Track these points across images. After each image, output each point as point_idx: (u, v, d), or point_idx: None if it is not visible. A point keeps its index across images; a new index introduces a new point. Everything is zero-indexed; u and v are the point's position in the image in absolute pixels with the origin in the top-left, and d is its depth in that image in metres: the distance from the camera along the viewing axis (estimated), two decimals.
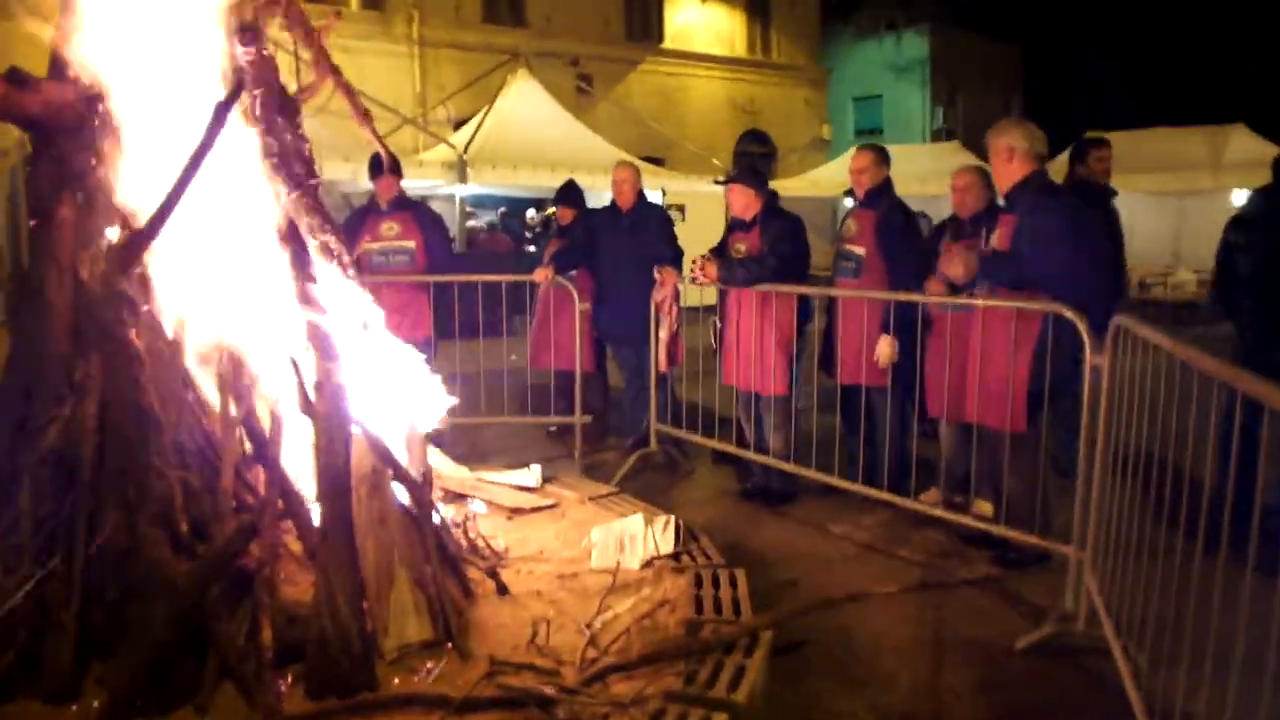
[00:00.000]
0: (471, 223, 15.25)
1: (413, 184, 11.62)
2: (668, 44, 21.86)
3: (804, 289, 5.25)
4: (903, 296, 4.79)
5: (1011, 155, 4.25)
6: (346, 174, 11.28)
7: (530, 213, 15.70)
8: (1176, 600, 2.66)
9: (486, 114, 14.66)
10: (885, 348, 4.97)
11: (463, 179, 13.15)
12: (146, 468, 2.87)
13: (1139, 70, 29.59)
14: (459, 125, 16.12)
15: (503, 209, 16.26)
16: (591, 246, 6.43)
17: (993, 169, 4.43)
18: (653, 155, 17.71)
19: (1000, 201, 4.54)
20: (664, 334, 5.91)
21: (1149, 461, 3.21)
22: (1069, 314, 3.73)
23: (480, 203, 16.20)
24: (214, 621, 2.84)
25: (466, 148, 13.55)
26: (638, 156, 15.22)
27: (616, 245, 6.29)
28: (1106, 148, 5.95)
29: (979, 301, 4.23)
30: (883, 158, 5.30)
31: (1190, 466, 2.87)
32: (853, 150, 5.56)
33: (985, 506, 4.70)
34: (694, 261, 5.53)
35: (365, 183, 7.18)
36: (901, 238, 5.09)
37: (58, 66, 3.16)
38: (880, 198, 5.21)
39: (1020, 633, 3.69)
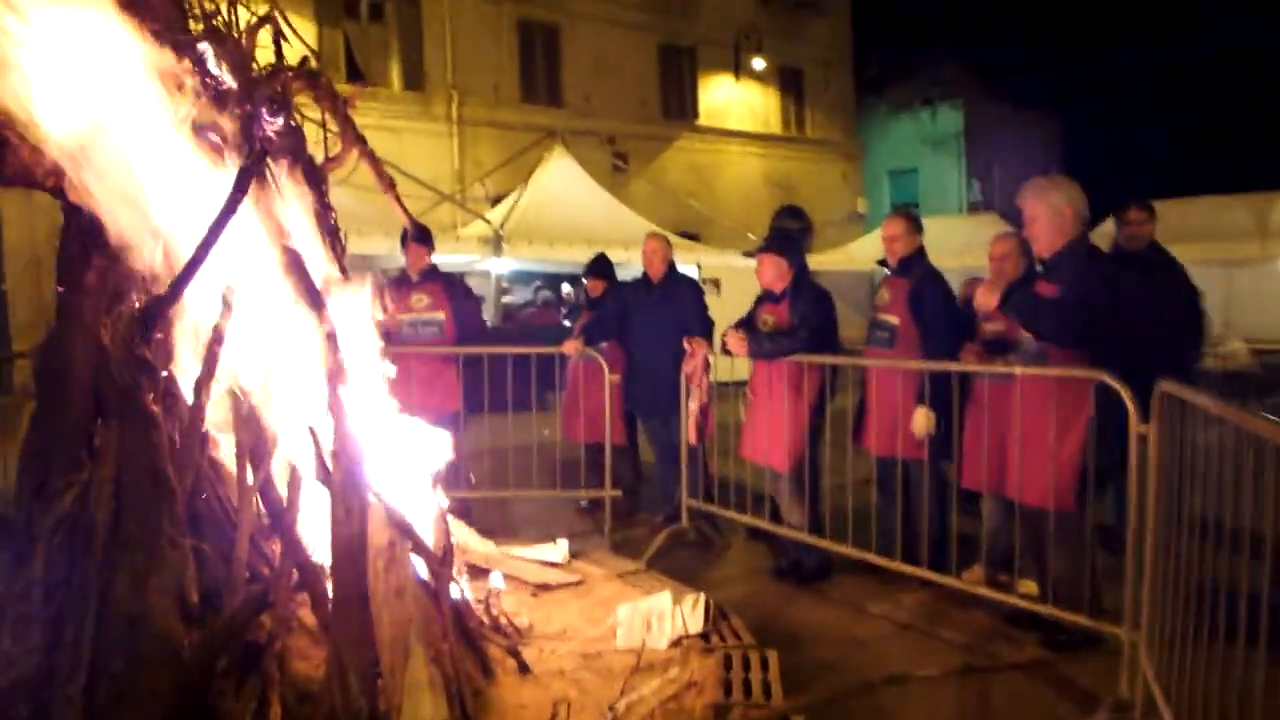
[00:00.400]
0: (508, 298, 15.38)
1: (450, 259, 11.79)
2: (702, 121, 22.21)
3: (834, 359, 5.14)
4: (937, 366, 4.66)
5: (1054, 216, 4.11)
6: (384, 249, 11.47)
7: (565, 288, 15.81)
8: (1241, 688, 2.45)
9: (523, 190, 14.91)
10: (922, 419, 4.82)
11: (498, 253, 13.32)
12: (159, 535, 2.81)
13: (1182, 140, 29.49)
14: (496, 202, 16.42)
15: (538, 284, 16.42)
16: (622, 319, 6.40)
17: (1031, 232, 4.25)
18: (688, 231, 17.85)
19: (1038, 268, 4.42)
20: (694, 406, 5.81)
21: (1205, 536, 3.03)
22: (1112, 382, 3.58)
23: (517, 278, 16.38)
24: (220, 698, 2.75)
25: (503, 223, 13.76)
26: (673, 232, 15.32)
27: (647, 316, 6.26)
28: (1137, 209, 5.64)
29: (1018, 369, 4.09)
30: (915, 225, 5.23)
31: (1251, 541, 2.69)
32: (886, 219, 5.49)
33: (1030, 585, 4.47)
34: (724, 335, 5.46)
35: (401, 256, 7.26)
36: (936, 306, 4.98)
37: None
38: (914, 266, 5.13)
39: None
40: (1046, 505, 4.04)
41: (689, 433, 5.83)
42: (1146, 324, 4.78)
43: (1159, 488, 3.37)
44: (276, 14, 3.47)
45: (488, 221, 14.14)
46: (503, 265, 14.49)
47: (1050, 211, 4.13)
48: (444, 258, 11.05)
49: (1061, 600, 3.99)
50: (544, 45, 19.75)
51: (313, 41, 15.50)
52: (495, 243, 13.38)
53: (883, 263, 5.34)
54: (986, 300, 4.19)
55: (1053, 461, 3.97)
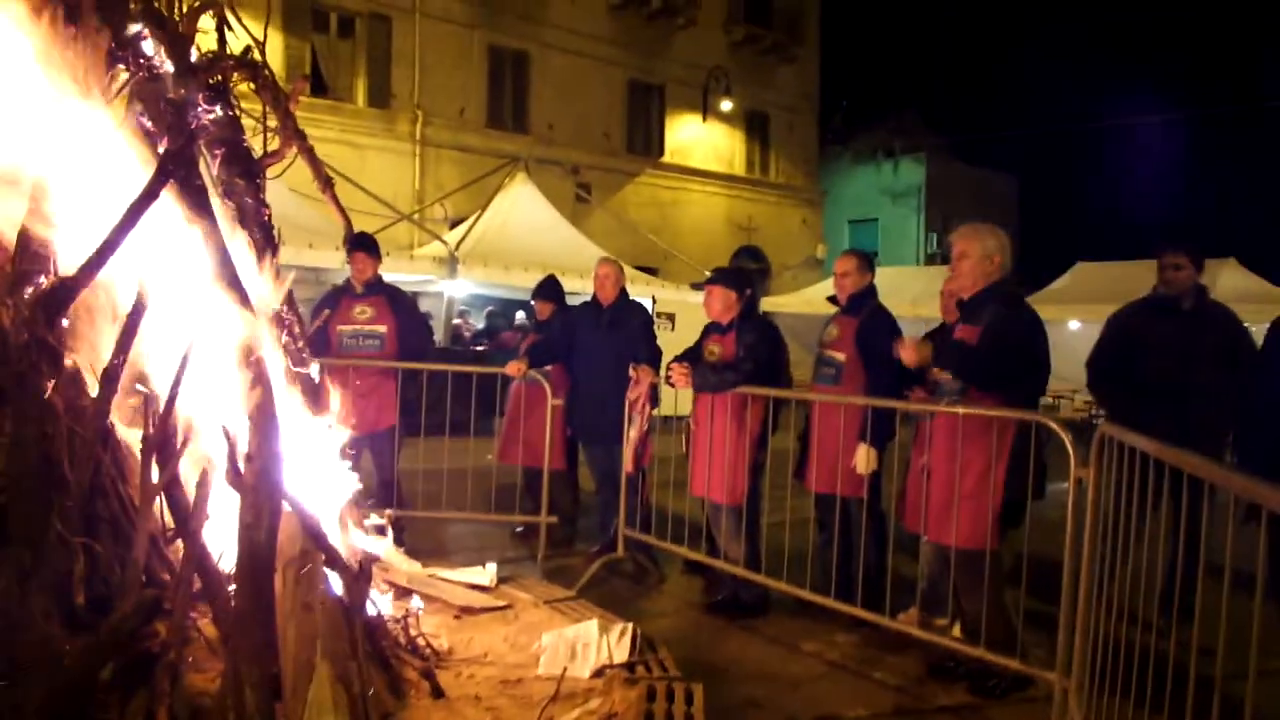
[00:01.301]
0: (457, 320, 15.20)
1: (404, 278, 11.63)
2: (667, 158, 22.36)
3: (778, 392, 5.09)
4: (880, 403, 4.62)
5: (982, 259, 4.16)
6: (337, 262, 11.27)
7: (519, 314, 15.70)
8: None
9: (482, 213, 14.82)
10: (863, 457, 4.77)
11: (452, 275, 13.17)
12: (46, 531, 2.63)
13: (1134, 202, 30.44)
14: (455, 224, 16.30)
15: (491, 308, 16.28)
16: (569, 342, 6.30)
17: (959, 268, 4.28)
18: (646, 265, 17.89)
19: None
20: (634, 434, 5.71)
21: (1136, 581, 2.99)
22: (1054, 425, 3.57)
23: (472, 302, 16.23)
24: (102, 710, 2.56)
25: (459, 245, 13.63)
26: (631, 265, 15.34)
27: (594, 341, 6.16)
28: (1172, 253, 5.10)
29: (960, 410, 4.06)
30: (866, 264, 5.21)
31: (1181, 592, 2.65)
32: (838, 256, 5.48)
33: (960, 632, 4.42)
34: (669, 365, 5.39)
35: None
36: (882, 344, 4.95)
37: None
38: (863, 303, 5.11)
39: None
40: (967, 544, 4.03)
41: (627, 461, 5.72)
42: (1177, 374, 4.80)
43: (1094, 532, 3.33)
44: (220, 1, 3.35)
45: (444, 242, 14.00)
46: (458, 288, 14.33)
47: (981, 253, 4.19)
48: (399, 276, 10.90)
49: (991, 644, 3.93)
50: (513, 72, 19.79)
51: (279, 52, 15.39)
52: (451, 264, 13.23)
53: (833, 299, 5.31)
54: (910, 356, 4.21)
55: (973, 501, 3.98)
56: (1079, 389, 12.67)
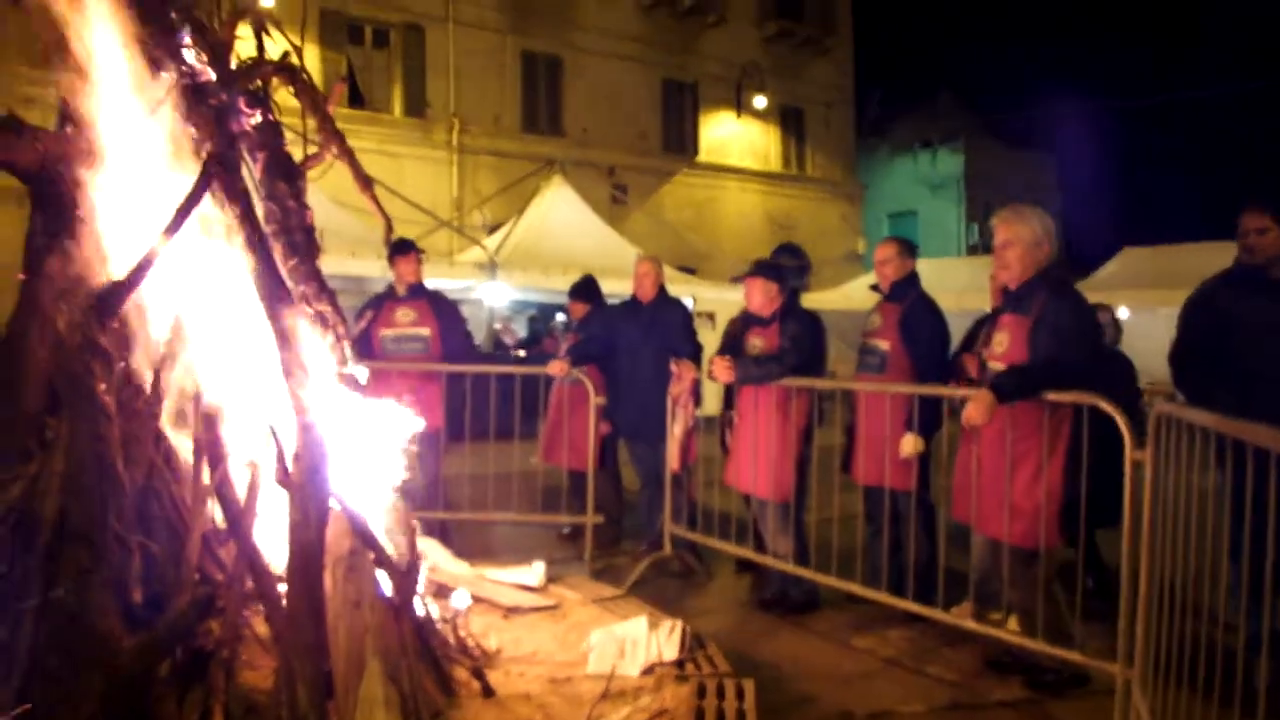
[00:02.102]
0: (498, 326, 15.27)
1: (444, 284, 11.71)
2: (702, 157, 22.28)
3: (824, 383, 5.03)
4: (926, 390, 4.54)
5: (1031, 244, 4.01)
6: (378, 271, 11.38)
7: (558, 317, 15.74)
8: None
9: (520, 218, 14.88)
10: (909, 444, 4.69)
11: (492, 278, 13.24)
12: (104, 530, 2.67)
13: (1183, 182, 29.74)
14: (493, 230, 16.39)
15: (532, 314, 16.33)
16: (610, 341, 6.29)
17: (1004, 258, 4.13)
18: (685, 265, 17.82)
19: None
20: (679, 430, 5.68)
21: (1201, 567, 2.90)
22: (1106, 407, 3.46)
23: (512, 308, 16.29)
24: (160, 704, 2.59)
25: (498, 249, 13.70)
26: (670, 265, 15.29)
27: (635, 339, 6.14)
28: (1253, 213, 4.25)
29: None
30: (907, 250, 5.14)
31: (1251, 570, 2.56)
32: (878, 244, 5.40)
33: (1017, 625, 4.32)
34: (710, 360, 5.35)
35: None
36: (927, 332, 4.87)
37: (62, 121, 3.14)
38: (906, 291, 5.03)
39: None
40: (1020, 543, 3.93)
41: (673, 458, 5.69)
42: (1266, 352, 4.07)
43: (1152, 517, 3.23)
44: (258, 8, 3.39)
45: (483, 248, 14.07)
46: (497, 293, 14.40)
47: (1030, 239, 4.03)
48: (439, 282, 10.98)
49: (1049, 637, 3.84)
50: (546, 76, 19.86)
51: (316, 65, 15.60)
52: (490, 269, 13.30)
53: (875, 288, 5.24)
54: (979, 416, 3.89)
55: (1027, 498, 3.87)
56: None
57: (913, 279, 5.06)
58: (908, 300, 4.97)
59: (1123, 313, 14.94)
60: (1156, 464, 3.21)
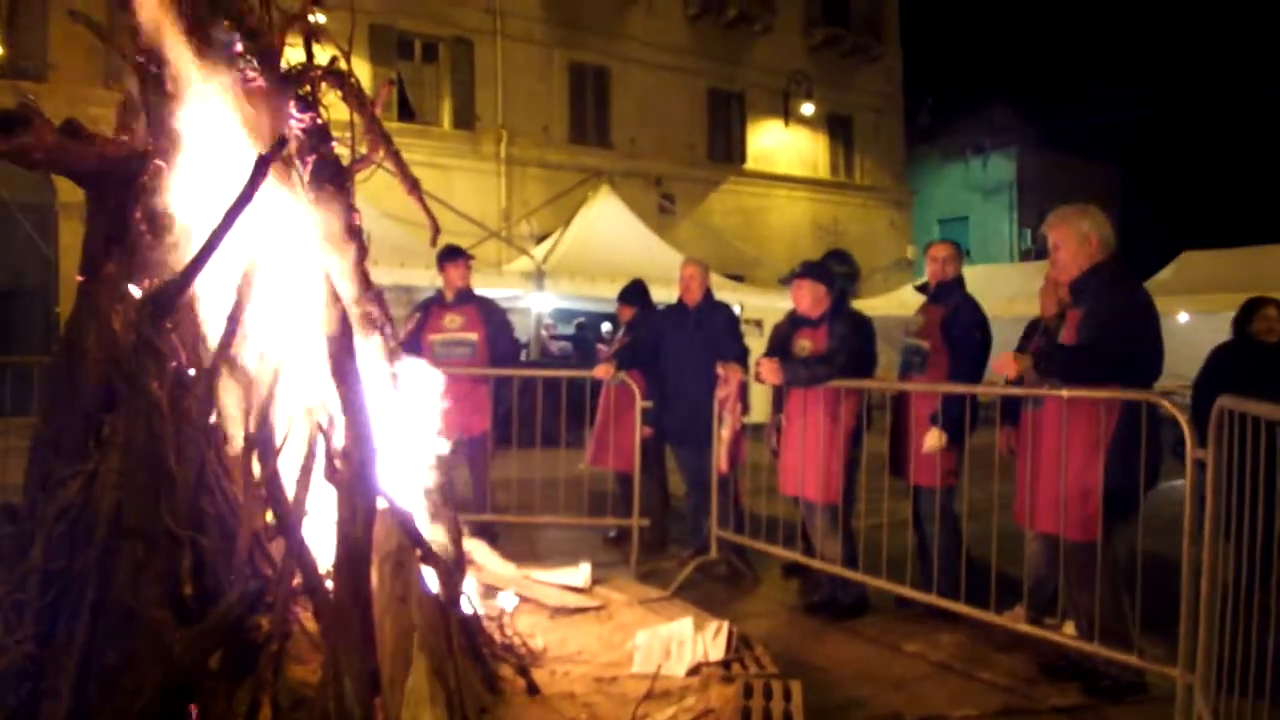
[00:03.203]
0: (547, 332, 15.35)
1: (493, 293, 11.84)
2: (750, 165, 22.22)
3: (872, 383, 4.98)
4: (978, 390, 4.50)
5: (1080, 243, 3.98)
6: (426, 280, 11.54)
7: (605, 326, 15.79)
8: None
9: (568, 226, 14.98)
10: (932, 439, 4.66)
11: (540, 288, 13.34)
12: (157, 526, 2.72)
13: (1244, 186, 28.88)
14: (541, 240, 16.53)
15: (581, 320, 16.41)
16: (657, 345, 6.28)
17: (1057, 259, 4.12)
18: (733, 273, 17.77)
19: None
20: (726, 434, 5.64)
21: (1267, 569, 2.80)
22: (1166, 404, 3.37)
23: (559, 317, 16.39)
24: (211, 698, 2.63)
25: (545, 258, 13.81)
26: (719, 273, 15.25)
27: (681, 343, 6.13)
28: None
29: (1065, 393, 3.87)
30: (959, 254, 5.13)
31: None
32: (932, 243, 5.36)
33: (1074, 629, 4.21)
34: (758, 363, 5.32)
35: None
36: (965, 332, 4.84)
37: (119, 129, 3.23)
38: (952, 293, 4.99)
39: None
40: (1076, 537, 3.84)
41: (721, 460, 5.65)
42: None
43: (1215, 516, 3.13)
44: (309, 14, 3.46)
45: (532, 257, 14.20)
46: (545, 302, 14.50)
47: (1077, 238, 4.02)
48: (487, 291, 11.09)
49: (1106, 641, 3.74)
50: (594, 87, 19.98)
51: (366, 80, 15.89)
52: (537, 278, 13.40)
53: (922, 288, 5.19)
54: (1011, 369, 4.02)
55: (1079, 491, 3.79)
56: (1188, 383, 12.04)
57: (959, 282, 5.02)
58: (952, 302, 4.93)
59: (1182, 317, 14.59)
60: (1219, 462, 3.11)
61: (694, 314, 6.22)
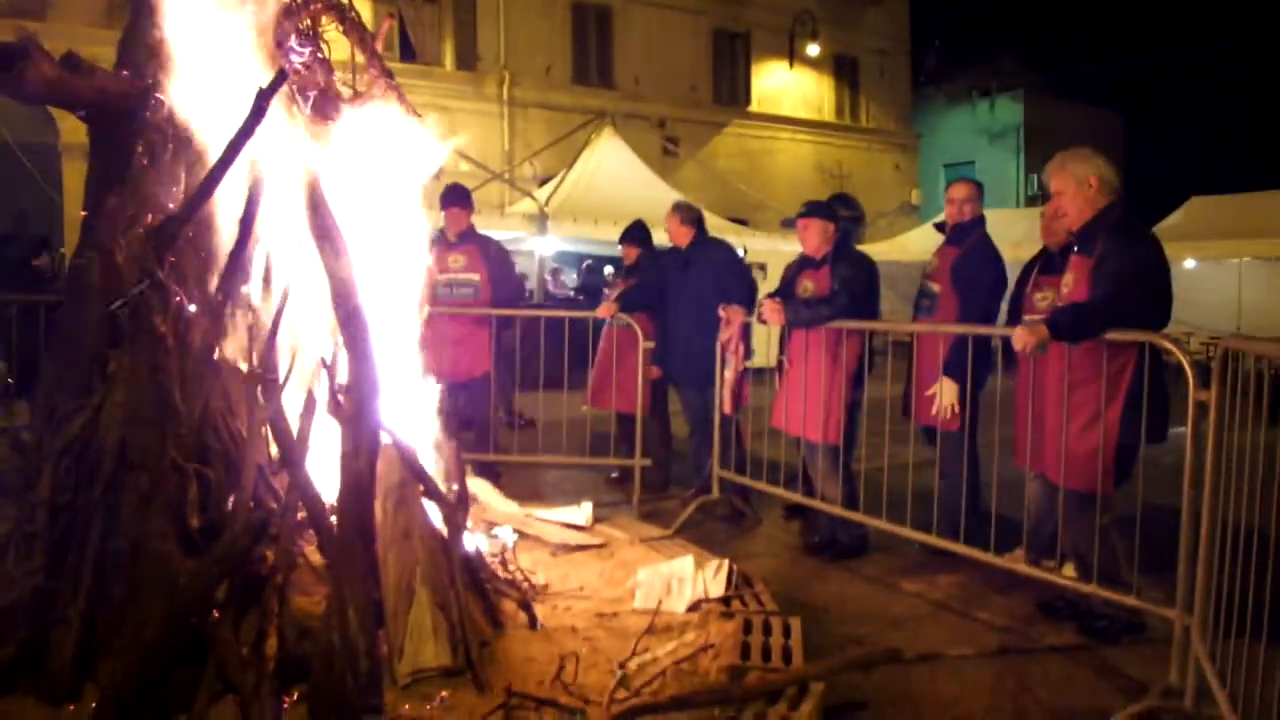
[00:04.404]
0: (559, 277, 15.30)
1: (496, 235, 11.73)
2: (754, 108, 21.92)
3: (873, 325, 4.96)
4: (980, 330, 4.46)
5: (1080, 187, 3.90)
6: (432, 223, 11.43)
7: (608, 269, 15.72)
8: None
9: (570, 168, 14.82)
10: (944, 391, 4.64)
11: (542, 231, 13.24)
12: (162, 459, 2.74)
13: (1252, 132, 28.48)
14: (544, 182, 16.36)
15: (588, 262, 16.33)
16: (661, 288, 6.23)
17: (1060, 206, 4.06)
18: (737, 216, 17.63)
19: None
20: (729, 375, 5.64)
21: (1267, 511, 2.80)
22: (1167, 344, 3.35)
23: (563, 259, 16.29)
24: (217, 627, 2.67)
25: (548, 201, 13.68)
26: (722, 217, 15.11)
27: (677, 284, 6.09)
28: None
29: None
30: (980, 194, 5.04)
31: None
32: (952, 182, 5.27)
33: (1071, 571, 4.25)
34: (759, 304, 5.29)
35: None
36: (975, 273, 4.78)
37: (119, 63, 3.18)
38: (968, 234, 4.93)
39: (1114, 708, 3.24)
40: (1078, 488, 3.84)
41: (724, 402, 5.66)
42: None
43: (1215, 458, 3.13)
44: None
45: (535, 199, 14.07)
46: (548, 245, 14.40)
47: (1075, 183, 3.93)
48: (490, 234, 11.01)
49: (1103, 584, 3.77)
50: (597, 27, 19.63)
51: (368, 20, 15.60)
52: (540, 220, 13.30)
53: (940, 226, 5.13)
54: (1028, 339, 3.86)
55: (1084, 443, 3.78)
56: (1194, 330, 12.02)
57: (977, 223, 4.95)
58: (967, 244, 4.87)
59: (1189, 264, 14.50)
60: (1220, 404, 3.10)
61: (683, 255, 6.16)
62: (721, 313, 5.60)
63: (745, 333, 5.65)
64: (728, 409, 5.67)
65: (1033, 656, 3.82)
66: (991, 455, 4.78)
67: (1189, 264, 14.45)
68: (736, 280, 5.98)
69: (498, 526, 4.33)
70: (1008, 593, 4.44)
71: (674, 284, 6.11)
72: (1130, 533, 3.76)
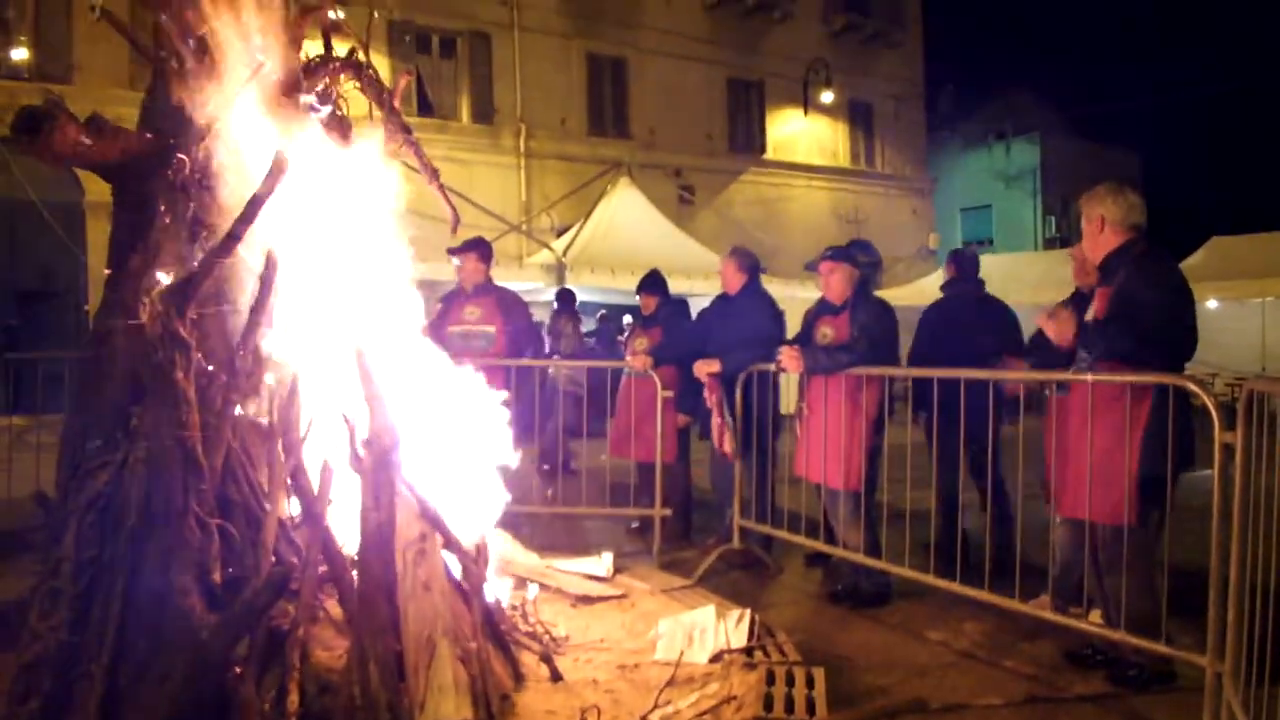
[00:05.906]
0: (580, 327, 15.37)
1: (514, 286, 11.85)
2: (770, 155, 22.11)
3: (894, 371, 4.95)
4: (1012, 376, 4.45)
5: (1103, 225, 3.98)
6: (449, 275, 11.56)
7: (626, 319, 15.79)
8: None
9: (587, 219, 14.98)
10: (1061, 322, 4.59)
11: (561, 281, 13.35)
12: (185, 514, 2.76)
13: (1267, 171, 28.43)
14: (562, 233, 16.53)
15: (602, 312, 16.42)
16: (702, 338, 6.19)
17: (1085, 240, 4.13)
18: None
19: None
20: (716, 421, 5.69)
21: None
22: (1193, 386, 3.33)
23: (582, 309, 16.37)
24: (239, 683, 2.66)
25: (566, 251, 13.82)
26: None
27: (723, 330, 6.07)
28: None
29: (1089, 377, 3.83)
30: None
31: None
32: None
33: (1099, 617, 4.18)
34: (779, 352, 5.30)
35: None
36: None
37: (143, 124, 3.27)
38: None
39: None
40: (1105, 521, 3.81)
41: (727, 446, 5.66)
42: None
43: (1243, 501, 3.09)
44: (329, 9, 3.48)
45: (552, 250, 14.21)
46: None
47: (1087, 222, 4.07)
48: (508, 285, 11.13)
49: (1133, 630, 3.70)
50: (611, 78, 19.95)
51: (385, 76, 15.95)
52: (559, 270, 13.42)
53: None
54: (1058, 329, 4.01)
55: (1107, 474, 3.75)
56: (1219, 371, 11.91)
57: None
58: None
59: (1211, 304, 14.40)
60: (1247, 446, 3.07)
61: (734, 304, 6.17)
62: (697, 373, 5.65)
63: (729, 389, 5.67)
64: (729, 451, 5.67)
65: (1062, 706, 3.74)
66: (1016, 499, 4.73)
67: (1211, 304, 14.35)
68: (766, 327, 5.93)
69: (520, 579, 4.31)
70: (1034, 640, 4.36)
71: (717, 330, 6.09)
72: (1162, 575, 3.70)
